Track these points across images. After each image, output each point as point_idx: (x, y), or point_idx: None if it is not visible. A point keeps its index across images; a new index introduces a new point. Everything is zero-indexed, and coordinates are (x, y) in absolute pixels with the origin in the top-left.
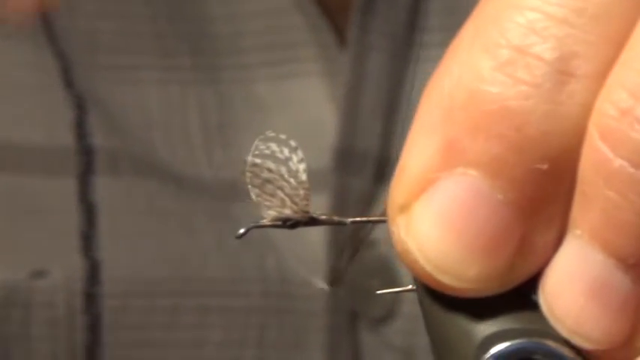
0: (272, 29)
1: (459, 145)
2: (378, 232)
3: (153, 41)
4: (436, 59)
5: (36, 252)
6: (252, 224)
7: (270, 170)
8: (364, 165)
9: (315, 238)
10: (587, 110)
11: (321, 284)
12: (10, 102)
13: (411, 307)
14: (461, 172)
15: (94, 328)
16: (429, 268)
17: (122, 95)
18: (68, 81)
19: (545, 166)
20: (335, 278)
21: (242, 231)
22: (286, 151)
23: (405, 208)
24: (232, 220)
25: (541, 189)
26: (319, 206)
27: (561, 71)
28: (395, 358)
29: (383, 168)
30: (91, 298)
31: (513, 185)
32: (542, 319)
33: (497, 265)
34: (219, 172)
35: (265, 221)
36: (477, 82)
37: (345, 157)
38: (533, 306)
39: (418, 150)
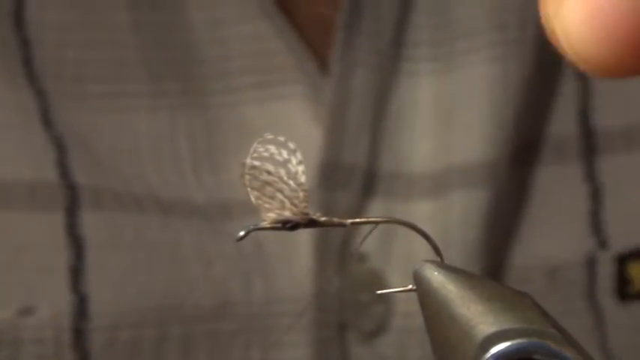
0: (257, 53)
1: None
2: (368, 246)
3: (141, 68)
4: (425, 73)
5: (23, 289)
6: (251, 226)
7: (269, 172)
8: (351, 179)
9: (304, 250)
10: None
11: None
12: None
13: (402, 321)
14: None
15: None
16: (572, 55)
17: (110, 124)
18: (47, 121)
19: None
20: (322, 292)
21: (242, 233)
22: (285, 153)
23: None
24: (223, 240)
25: None
26: (315, 213)
27: None
28: None
29: (371, 182)
30: (79, 333)
31: None
32: (543, 319)
33: (629, 59)
34: (209, 196)
35: (265, 224)
36: None
37: (331, 172)
38: (534, 305)
39: None
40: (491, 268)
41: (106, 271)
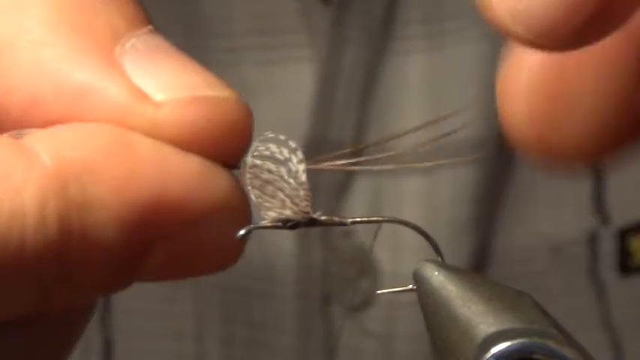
0: (264, 14)
1: None
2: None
3: None
4: (417, 51)
5: None
6: (252, 225)
7: (270, 171)
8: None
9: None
10: None
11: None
12: None
13: (389, 296)
14: None
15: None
16: (508, 20)
17: None
18: None
19: None
20: (305, 265)
21: (243, 232)
22: (285, 152)
23: None
24: None
25: None
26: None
27: None
28: (373, 345)
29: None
30: None
31: None
32: (543, 319)
33: (574, 20)
34: None
35: (266, 222)
36: None
37: (317, 147)
38: (534, 305)
39: None
40: (480, 246)
41: None
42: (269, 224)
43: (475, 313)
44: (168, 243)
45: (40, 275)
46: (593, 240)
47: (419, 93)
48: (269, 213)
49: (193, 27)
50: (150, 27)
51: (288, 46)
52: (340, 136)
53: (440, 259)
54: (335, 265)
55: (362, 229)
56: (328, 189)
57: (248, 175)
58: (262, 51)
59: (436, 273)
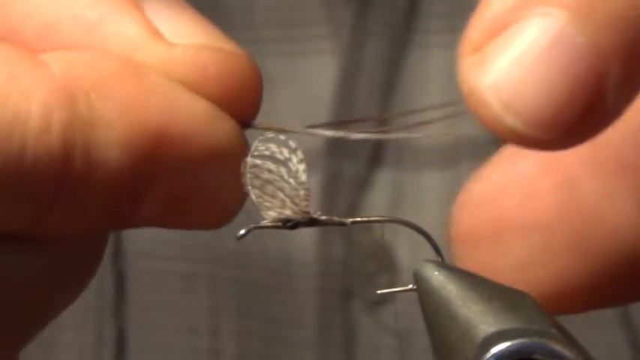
0: (285, 6)
1: None
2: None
3: None
4: (439, 45)
5: None
6: (252, 225)
7: (270, 171)
8: (359, 148)
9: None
10: None
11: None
12: None
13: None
14: (543, 12)
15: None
16: (499, 107)
17: None
18: None
19: (636, 13)
20: (326, 259)
21: (242, 232)
22: (286, 152)
23: (479, 47)
24: None
25: (628, 37)
26: (310, 186)
27: None
28: (392, 341)
29: (379, 151)
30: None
31: (600, 30)
32: (543, 318)
33: (572, 110)
34: None
35: (266, 222)
36: None
37: (337, 139)
38: (533, 306)
39: None
40: None
41: None
42: (269, 224)
43: (475, 313)
44: (167, 182)
45: (38, 188)
46: None
47: (440, 86)
48: (269, 213)
49: (214, 18)
50: None
51: (309, 38)
52: (362, 129)
53: (440, 259)
54: (355, 259)
55: (381, 225)
56: (349, 183)
57: (248, 175)
58: (284, 43)
59: (436, 273)
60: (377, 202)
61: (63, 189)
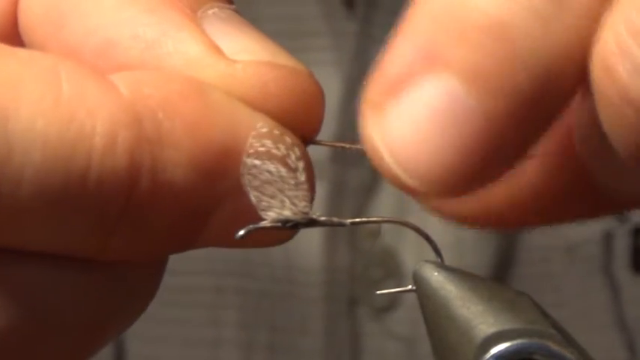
0: (288, 18)
1: (442, 49)
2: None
3: None
4: None
5: None
6: (251, 226)
7: (269, 172)
8: (364, 156)
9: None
10: (577, 36)
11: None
12: None
13: (414, 297)
14: (439, 76)
15: None
16: (395, 168)
17: None
18: None
19: (525, 82)
20: (332, 266)
21: (242, 232)
22: (282, 148)
23: (377, 105)
24: None
25: (515, 102)
26: (317, 195)
27: None
28: (398, 347)
29: None
30: None
31: (489, 94)
32: (543, 319)
33: (465, 170)
34: None
35: (265, 223)
36: None
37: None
38: (533, 306)
39: (400, 50)
40: (506, 246)
41: None
42: (268, 224)
43: (475, 314)
44: (232, 201)
45: (102, 209)
46: (608, 239)
47: None
48: (269, 213)
49: None
50: (233, 6)
51: (313, 49)
52: None
53: (440, 259)
54: (361, 266)
55: (389, 231)
56: (355, 191)
57: (247, 176)
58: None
59: (435, 274)
60: (383, 210)
61: (128, 210)
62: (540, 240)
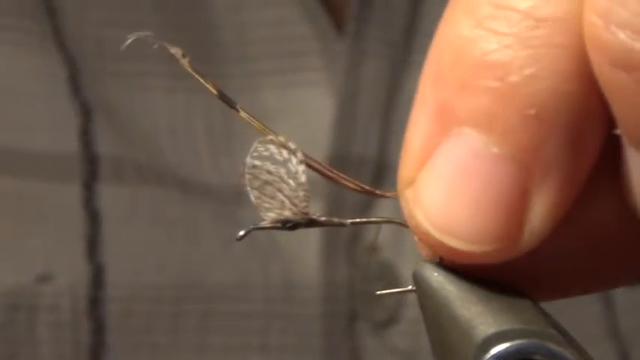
0: (279, 38)
1: (450, 106)
2: (380, 238)
3: (160, 49)
4: None
5: (41, 256)
6: (251, 226)
7: (269, 172)
8: (361, 170)
9: (314, 239)
10: (570, 51)
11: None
12: (17, 109)
13: (414, 311)
14: (456, 133)
15: (98, 331)
16: (439, 235)
17: (129, 102)
18: (75, 88)
19: (532, 112)
20: (331, 282)
21: (242, 233)
22: (285, 153)
23: (411, 182)
24: (238, 225)
25: (534, 136)
26: (315, 213)
27: (535, 18)
28: None
29: (381, 172)
30: (95, 302)
31: (506, 136)
32: (542, 319)
33: (506, 221)
34: (225, 179)
35: (265, 223)
36: (460, 41)
37: (340, 164)
38: (533, 306)
39: (417, 123)
40: None
41: (123, 243)
42: (268, 225)
43: (474, 314)
44: None
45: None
46: None
47: None
48: (268, 214)
49: (210, 52)
50: None
51: (305, 69)
52: (363, 151)
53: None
54: (360, 281)
55: (387, 245)
56: (352, 208)
57: (247, 176)
58: (280, 75)
59: (435, 274)
60: (382, 227)
61: None
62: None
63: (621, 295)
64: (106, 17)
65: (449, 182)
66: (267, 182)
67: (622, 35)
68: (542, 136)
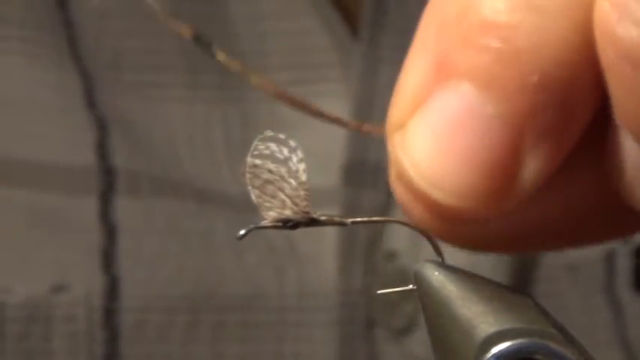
0: (298, 49)
1: (451, 58)
2: (398, 244)
3: (178, 59)
4: None
5: (57, 267)
6: (252, 225)
7: (270, 171)
8: (377, 177)
9: (331, 247)
10: (576, 23)
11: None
12: (34, 121)
13: None
14: (453, 86)
15: (112, 341)
16: (423, 184)
17: (147, 113)
18: (91, 101)
19: (534, 78)
20: (348, 289)
21: (242, 232)
22: (286, 151)
23: (400, 126)
24: (253, 236)
25: (532, 102)
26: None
27: None
28: None
29: None
30: (110, 312)
31: (504, 99)
32: (543, 319)
33: (492, 180)
34: (243, 187)
35: (266, 222)
36: None
37: (356, 172)
38: (534, 305)
39: (413, 68)
40: (522, 264)
41: (138, 255)
42: (269, 224)
43: (475, 313)
44: None
45: None
46: (610, 258)
47: None
48: (269, 213)
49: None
50: None
51: (323, 80)
52: (380, 157)
53: (440, 259)
54: (378, 289)
55: (405, 252)
56: (370, 212)
57: (248, 175)
58: (297, 85)
59: (436, 273)
60: (399, 232)
61: None
62: (543, 259)
63: (630, 302)
64: (123, 28)
65: (439, 132)
66: (268, 181)
67: (635, 32)
68: (540, 103)
